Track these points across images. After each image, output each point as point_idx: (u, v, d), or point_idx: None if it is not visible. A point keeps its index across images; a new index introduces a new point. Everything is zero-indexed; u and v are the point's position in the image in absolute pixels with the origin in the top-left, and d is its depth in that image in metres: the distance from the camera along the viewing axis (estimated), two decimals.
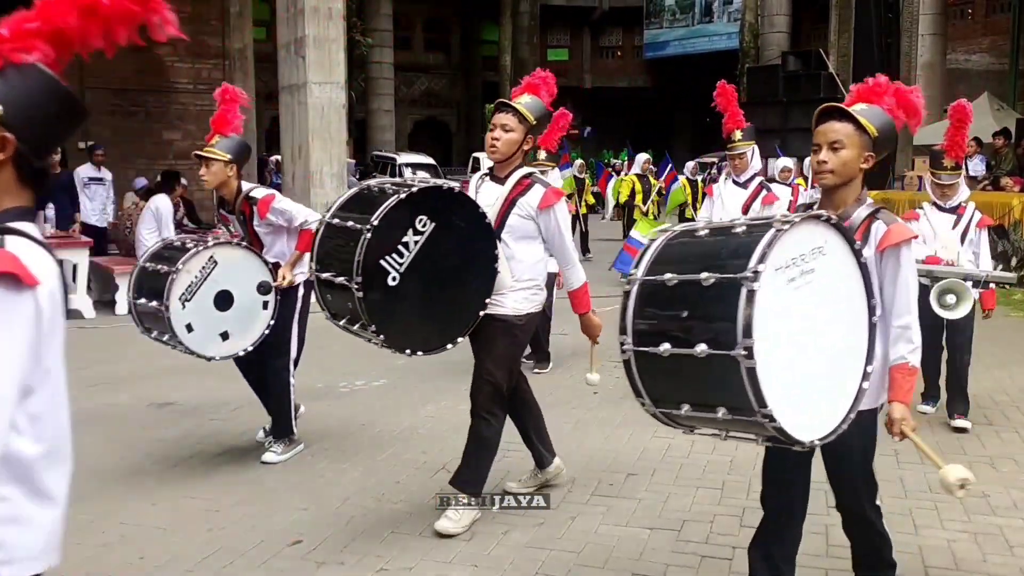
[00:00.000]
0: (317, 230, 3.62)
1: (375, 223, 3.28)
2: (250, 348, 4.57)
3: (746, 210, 5.97)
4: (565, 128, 6.86)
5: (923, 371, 5.48)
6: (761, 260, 2.16)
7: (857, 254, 2.47)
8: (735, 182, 6.10)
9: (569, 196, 14.98)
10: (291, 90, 10.98)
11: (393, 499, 4.13)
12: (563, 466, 4.31)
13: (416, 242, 3.40)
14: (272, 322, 4.59)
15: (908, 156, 15.56)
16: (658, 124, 36.13)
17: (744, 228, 2.34)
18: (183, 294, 4.33)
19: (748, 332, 2.11)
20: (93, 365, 6.77)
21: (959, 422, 5.33)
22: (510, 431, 4.98)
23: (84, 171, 11.70)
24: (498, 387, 3.79)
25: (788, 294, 2.26)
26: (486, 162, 3.90)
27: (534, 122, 3.75)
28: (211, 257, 4.44)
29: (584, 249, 14.26)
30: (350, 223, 3.41)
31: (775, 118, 18.86)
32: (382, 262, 3.35)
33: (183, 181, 10.75)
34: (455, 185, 3.57)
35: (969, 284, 5.01)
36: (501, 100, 3.89)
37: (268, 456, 4.69)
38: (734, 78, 22.02)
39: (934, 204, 5.38)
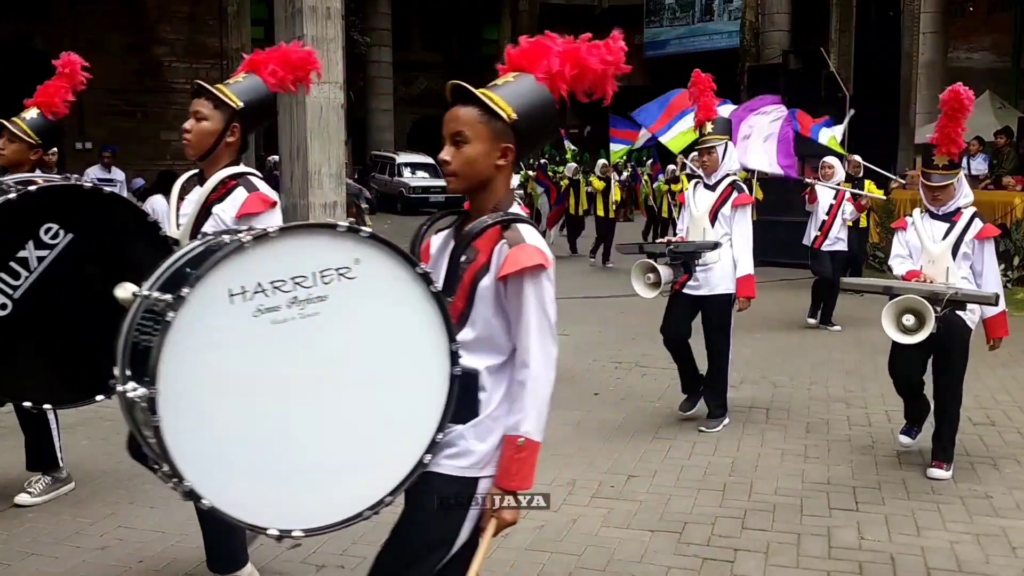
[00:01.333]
0: None
1: None
2: None
3: (714, 216, 5.20)
4: None
5: (902, 396, 4.84)
6: (195, 282, 1.66)
7: (427, 280, 1.84)
8: (705, 185, 5.31)
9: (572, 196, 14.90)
10: None
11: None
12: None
13: (41, 258, 2.65)
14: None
15: (910, 155, 15.53)
16: None
17: (248, 238, 1.76)
18: None
19: (154, 378, 1.63)
20: None
21: (936, 471, 4.44)
22: None
23: (93, 172, 11.69)
24: None
25: (258, 331, 1.71)
26: None
27: (239, 105, 2.90)
28: None
29: (605, 256, 13.64)
30: None
31: None
32: None
33: None
34: (106, 187, 2.86)
35: (937, 304, 4.17)
36: (197, 81, 3.08)
37: (21, 497, 4.04)
38: (735, 77, 22.02)
39: (926, 210, 4.56)
